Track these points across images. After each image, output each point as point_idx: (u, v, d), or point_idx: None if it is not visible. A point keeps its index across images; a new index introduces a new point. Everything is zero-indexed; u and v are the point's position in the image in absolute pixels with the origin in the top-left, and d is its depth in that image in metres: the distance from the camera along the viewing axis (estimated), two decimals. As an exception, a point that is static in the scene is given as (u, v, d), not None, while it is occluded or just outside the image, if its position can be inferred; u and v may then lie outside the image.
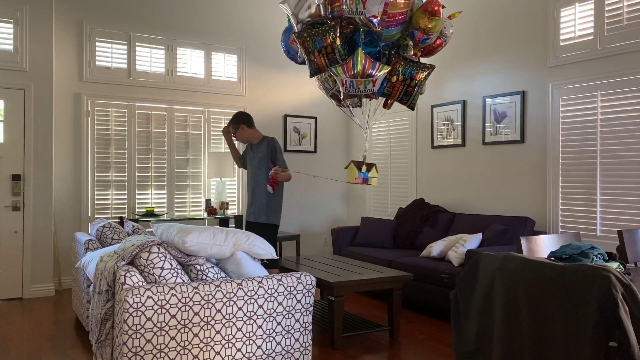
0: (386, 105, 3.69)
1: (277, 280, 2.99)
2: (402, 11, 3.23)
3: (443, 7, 3.42)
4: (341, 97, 3.55)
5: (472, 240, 4.75)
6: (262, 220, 4.64)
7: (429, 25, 3.28)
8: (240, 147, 6.30)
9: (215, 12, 6.63)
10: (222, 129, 4.91)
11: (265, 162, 4.65)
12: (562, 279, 2.02)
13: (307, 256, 5.03)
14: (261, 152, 4.69)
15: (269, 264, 4.58)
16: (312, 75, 3.53)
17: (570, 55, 4.74)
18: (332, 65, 3.37)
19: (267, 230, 4.61)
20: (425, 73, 3.48)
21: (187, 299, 2.71)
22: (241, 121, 4.74)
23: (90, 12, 5.93)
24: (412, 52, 3.65)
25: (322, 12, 3.45)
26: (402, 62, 3.46)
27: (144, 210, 6.13)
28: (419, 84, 3.48)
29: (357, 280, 3.90)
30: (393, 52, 3.50)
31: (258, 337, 2.91)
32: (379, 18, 3.19)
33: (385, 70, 3.34)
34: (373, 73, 3.27)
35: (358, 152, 7.42)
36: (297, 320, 3.05)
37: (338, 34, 3.31)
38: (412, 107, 3.61)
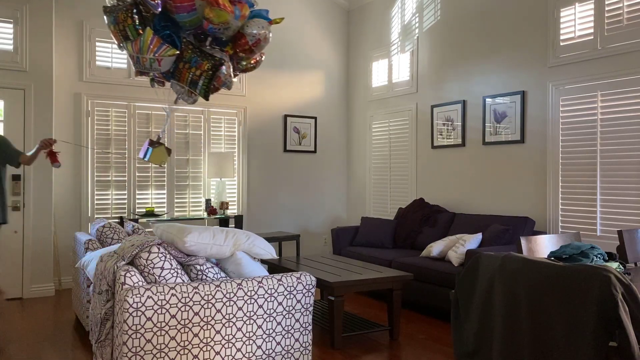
0: (206, 97, 3.87)
1: (277, 280, 2.99)
2: None
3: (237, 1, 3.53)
4: (135, 76, 3.77)
5: (472, 240, 4.75)
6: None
7: (210, 15, 3.44)
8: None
9: (215, 12, 6.63)
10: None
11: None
12: (562, 279, 2.02)
13: (307, 256, 5.03)
14: None
15: None
16: (119, 47, 3.74)
17: (570, 55, 4.74)
18: (125, 41, 3.57)
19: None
20: (210, 64, 3.58)
21: (187, 299, 2.71)
22: None
23: (90, 12, 5.93)
24: (229, 51, 3.80)
25: None
26: (190, 50, 3.57)
27: (144, 210, 6.13)
28: (203, 74, 3.59)
29: (357, 280, 3.90)
30: (185, 39, 3.64)
31: (258, 337, 2.91)
32: (158, 2, 3.37)
33: (172, 52, 3.48)
34: (158, 52, 3.42)
35: (358, 151, 7.43)
36: (297, 320, 3.05)
37: (130, 15, 3.49)
38: (205, 97, 3.75)
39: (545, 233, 4.88)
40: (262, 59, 4.20)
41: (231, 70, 3.80)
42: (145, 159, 4.06)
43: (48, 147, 4.17)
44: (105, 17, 3.62)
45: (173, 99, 4.26)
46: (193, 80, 3.63)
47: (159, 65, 3.52)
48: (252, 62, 4.12)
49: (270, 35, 3.83)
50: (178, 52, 3.54)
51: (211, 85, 3.67)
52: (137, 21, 3.51)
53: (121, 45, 3.64)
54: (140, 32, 3.50)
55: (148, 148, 4.04)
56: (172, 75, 3.72)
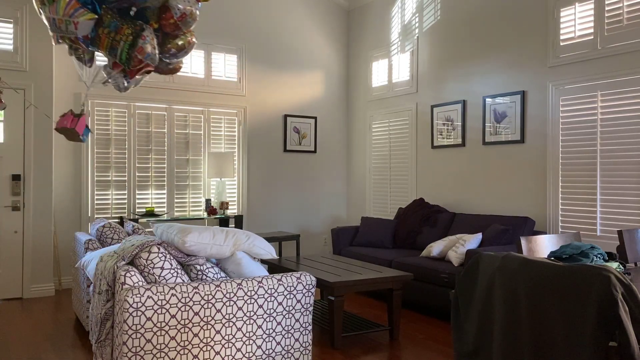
0: (131, 75, 3.79)
1: (277, 280, 2.99)
2: None
3: None
4: (53, 42, 3.71)
5: (472, 240, 4.75)
6: None
7: None
8: None
9: (215, 12, 6.63)
10: None
11: None
12: (562, 279, 2.02)
13: (307, 256, 5.03)
14: None
15: None
16: (38, 12, 3.74)
17: (570, 55, 4.74)
18: (42, 5, 3.56)
19: None
20: (131, 29, 3.56)
21: (187, 299, 2.71)
22: None
23: (90, 12, 5.92)
24: (155, 24, 3.77)
25: None
26: (109, 15, 3.55)
27: (144, 210, 6.13)
28: (123, 38, 3.56)
29: (357, 280, 3.90)
30: (106, 6, 3.61)
31: (258, 337, 2.91)
32: None
33: (89, 16, 3.46)
34: (75, 15, 3.42)
35: (358, 151, 7.43)
36: (297, 320, 3.05)
37: None
38: (126, 65, 3.68)
39: (545, 233, 4.88)
40: (193, 40, 4.07)
41: (155, 42, 3.74)
42: (82, 138, 3.92)
43: None
44: None
45: (90, 79, 4.20)
46: (112, 45, 3.60)
47: (75, 28, 3.49)
48: (180, 42, 4.03)
49: (197, 12, 3.75)
50: (96, 16, 3.51)
51: (132, 53, 3.62)
52: None
53: (40, 10, 3.61)
54: None
55: (87, 128, 3.94)
56: (91, 42, 3.68)
